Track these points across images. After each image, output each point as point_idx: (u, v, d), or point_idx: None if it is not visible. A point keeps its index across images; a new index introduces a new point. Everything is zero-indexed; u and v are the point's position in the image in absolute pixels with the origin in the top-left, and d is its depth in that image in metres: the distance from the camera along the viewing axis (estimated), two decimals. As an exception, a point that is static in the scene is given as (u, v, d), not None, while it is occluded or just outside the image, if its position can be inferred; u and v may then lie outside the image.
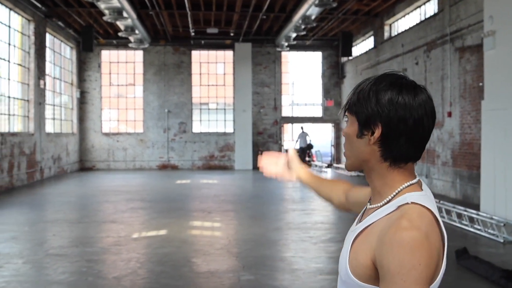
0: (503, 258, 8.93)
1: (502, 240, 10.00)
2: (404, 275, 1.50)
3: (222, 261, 8.75)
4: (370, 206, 1.79)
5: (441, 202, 13.07)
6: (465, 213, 11.62)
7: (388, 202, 1.70)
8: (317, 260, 8.84)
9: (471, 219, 11.38)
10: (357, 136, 1.74)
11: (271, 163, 2.69)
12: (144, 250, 9.54)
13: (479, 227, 10.91)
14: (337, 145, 30.85)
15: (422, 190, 1.73)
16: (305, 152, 27.44)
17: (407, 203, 1.62)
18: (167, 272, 8.11)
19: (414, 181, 1.74)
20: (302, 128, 28.56)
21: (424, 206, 1.62)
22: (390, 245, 1.53)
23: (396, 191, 1.70)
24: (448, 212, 12.39)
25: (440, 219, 1.66)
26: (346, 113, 1.78)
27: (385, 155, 1.72)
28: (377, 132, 1.69)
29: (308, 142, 28.23)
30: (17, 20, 21.00)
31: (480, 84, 14.16)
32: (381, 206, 1.72)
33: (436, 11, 18.29)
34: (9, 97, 20.04)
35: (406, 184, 1.71)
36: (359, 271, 1.65)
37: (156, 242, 10.25)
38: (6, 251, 9.47)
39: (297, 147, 28.18)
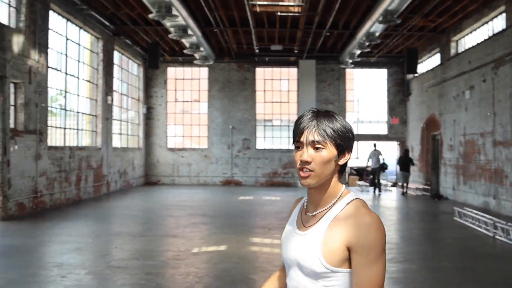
0: None
1: None
2: (377, 247, 2.11)
3: (280, 277, 8.69)
4: (312, 214, 2.32)
5: (508, 224, 12.59)
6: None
7: (334, 204, 2.28)
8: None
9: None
10: (334, 160, 2.26)
11: None
12: (203, 265, 9.58)
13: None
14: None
15: (352, 191, 2.35)
16: (378, 173, 25.59)
17: (353, 199, 2.27)
18: None
19: (345, 186, 2.37)
20: (374, 145, 26.36)
21: (364, 201, 2.27)
22: (364, 228, 2.12)
23: (339, 195, 2.30)
24: (515, 233, 11.99)
25: None
26: (322, 143, 2.23)
27: (341, 170, 2.34)
28: (347, 155, 2.30)
29: (381, 162, 25.82)
30: (86, 38, 21.66)
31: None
32: (329, 209, 2.28)
33: (504, 27, 17.81)
34: (78, 112, 20.65)
35: (344, 188, 2.34)
36: (334, 258, 2.16)
37: (215, 257, 10.30)
38: (70, 261, 9.69)
39: (369, 165, 26.44)
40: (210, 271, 9.22)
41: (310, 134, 2.24)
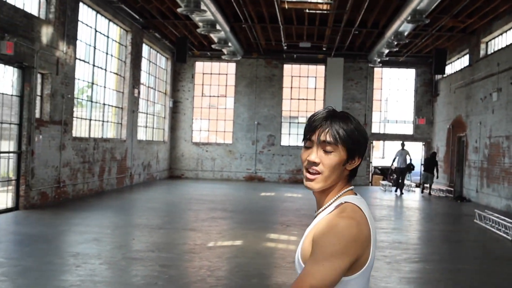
0: None
1: None
2: (324, 247, 2.00)
3: (292, 274, 8.72)
4: (315, 214, 2.28)
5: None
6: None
7: (329, 205, 2.20)
8: (387, 279, 8.65)
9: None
10: (343, 164, 2.18)
11: None
12: (216, 259, 9.63)
13: None
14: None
15: (356, 195, 2.23)
16: (404, 174, 25.05)
17: (342, 203, 2.14)
18: (236, 282, 8.19)
19: (350, 188, 2.25)
20: (402, 145, 25.51)
21: (356, 205, 2.13)
22: (324, 227, 2.05)
23: (336, 196, 2.21)
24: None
25: (368, 218, 2.13)
26: (333, 145, 2.15)
27: (351, 175, 2.25)
28: (357, 161, 2.21)
29: (408, 162, 24.94)
30: (115, 30, 21.87)
31: None
32: (324, 209, 2.21)
33: (534, 29, 17.58)
34: (104, 104, 20.87)
35: (343, 191, 2.22)
36: (305, 255, 2.11)
37: (229, 252, 10.37)
38: (86, 251, 9.83)
39: (395, 166, 25.52)
40: (223, 265, 9.29)
41: (322, 134, 2.16)
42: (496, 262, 10.77)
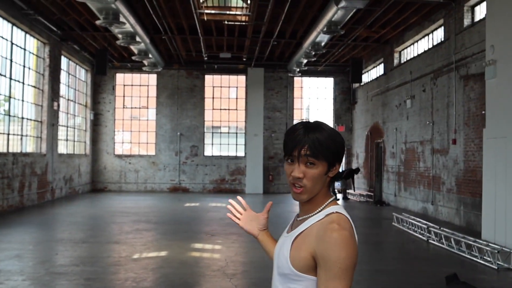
0: (495, 284, 9.02)
1: (496, 267, 10.07)
2: (340, 263, 2.12)
3: (216, 282, 8.91)
4: (299, 219, 2.40)
5: (441, 228, 13.19)
6: (463, 240, 11.71)
7: (317, 213, 2.32)
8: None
9: (469, 246, 11.45)
10: (324, 174, 2.31)
11: (249, 219, 3.06)
12: (142, 271, 9.69)
13: (476, 254, 10.98)
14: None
15: (339, 204, 2.37)
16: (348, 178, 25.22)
17: (333, 213, 2.27)
18: (161, 292, 8.28)
19: (334, 198, 2.38)
20: None
21: (344, 215, 2.27)
22: (328, 242, 2.14)
23: (324, 205, 2.33)
24: (447, 238, 12.49)
25: (353, 225, 2.28)
26: (314, 159, 2.27)
27: (332, 180, 2.38)
28: (337, 167, 2.35)
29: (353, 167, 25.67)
30: (32, 42, 21.48)
31: (483, 112, 14.26)
32: (311, 216, 2.33)
33: (442, 39, 18.47)
34: (22, 118, 20.45)
35: (330, 200, 2.36)
36: (299, 263, 2.23)
37: (155, 263, 10.43)
38: (8, 268, 9.69)
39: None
40: (148, 276, 9.35)
41: (302, 150, 2.26)
42: (412, 262, 11.30)
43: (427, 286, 8.97)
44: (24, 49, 20.55)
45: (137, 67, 28.47)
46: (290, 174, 2.32)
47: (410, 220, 15.29)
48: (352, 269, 2.15)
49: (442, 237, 12.65)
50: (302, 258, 2.23)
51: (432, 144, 18.87)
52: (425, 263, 11.17)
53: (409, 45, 22.20)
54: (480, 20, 15.65)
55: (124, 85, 30.36)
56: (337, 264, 2.12)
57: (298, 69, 27.18)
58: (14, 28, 19.50)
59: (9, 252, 11.23)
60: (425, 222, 14.51)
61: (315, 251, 2.18)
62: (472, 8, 16.71)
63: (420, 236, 13.88)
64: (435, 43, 19.38)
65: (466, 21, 16.71)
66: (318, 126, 2.33)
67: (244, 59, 28.02)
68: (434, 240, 13.09)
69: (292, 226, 2.45)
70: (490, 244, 11.03)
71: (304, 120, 2.54)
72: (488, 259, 10.52)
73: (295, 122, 31.15)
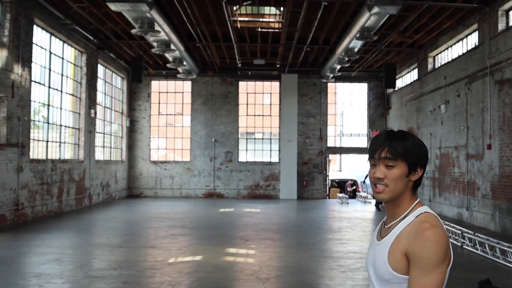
0: (529, 290, 8.96)
1: (531, 273, 10.01)
2: (431, 259, 2.26)
3: (249, 286, 9.04)
4: (388, 226, 2.54)
5: (475, 234, 13.11)
6: (498, 246, 11.64)
7: (405, 217, 2.47)
8: (341, 287, 9.04)
9: (503, 252, 11.39)
10: (405, 176, 2.46)
11: None
12: (177, 275, 9.89)
13: (510, 260, 10.92)
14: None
15: (425, 205, 2.52)
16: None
17: (422, 213, 2.43)
18: (196, 295, 8.44)
19: (418, 200, 2.53)
20: None
21: (433, 214, 2.44)
22: (422, 240, 2.29)
23: (410, 208, 2.48)
24: (482, 244, 12.42)
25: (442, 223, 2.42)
26: (393, 161, 2.44)
27: (415, 186, 2.52)
28: (420, 172, 2.48)
29: None
30: (70, 52, 21.97)
31: (518, 116, 14.15)
32: (400, 221, 2.47)
33: (477, 43, 18.36)
34: (61, 125, 20.92)
35: (416, 202, 2.51)
36: (397, 266, 2.37)
37: (190, 267, 10.62)
38: (48, 271, 9.97)
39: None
40: (183, 280, 9.54)
41: (383, 153, 2.45)
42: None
43: (460, 291, 8.98)
44: (62, 58, 21.04)
45: (172, 74, 28.87)
46: (372, 176, 2.49)
47: (444, 226, 15.20)
48: (444, 264, 2.29)
49: (476, 243, 12.59)
50: (399, 261, 2.37)
51: (467, 150, 18.75)
52: (459, 269, 11.12)
53: (443, 50, 22.09)
54: (515, 24, 15.56)
55: (159, 92, 30.77)
56: (429, 259, 2.26)
57: (331, 75, 27.22)
58: (53, 37, 19.99)
59: (49, 256, 11.55)
60: (459, 227, 14.44)
61: (407, 250, 2.34)
62: (507, 12, 16.59)
63: (454, 242, 13.81)
64: (469, 48, 19.26)
65: (501, 26, 16.60)
66: (400, 133, 2.50)
67: (278, 65, 28.17)
68: (468, 246, 13.03)
69: (381, 233, 2.57)
70: (525, 250, 10.96)
71: (390, 128, 2.65)
72: (523, 264, 10.46)
73: (328, 128, 31.21)
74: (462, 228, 14.24)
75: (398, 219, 2.48)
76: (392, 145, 2.44)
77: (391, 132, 2.52)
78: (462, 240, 13.42)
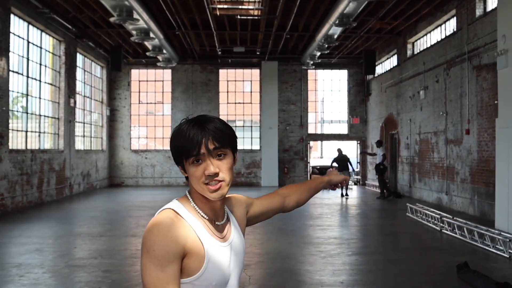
0: (506, 272, 9.11)
1: (508, 256, 10.16)
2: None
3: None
4: (221, 222, 2.23)
5: (454, 218, 13.29)
6: (476, 229, 11.80)
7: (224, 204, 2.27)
8: (321, 273, 9.13)
9: (481, 235, 11.54)
10: (233, 163, 2.19)
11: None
12: (158, 262, 9.88)
13: (488, 243, 11.07)
14: (362, 162, 31.00)
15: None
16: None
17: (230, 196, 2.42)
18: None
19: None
20: (339, 151, 24.30)
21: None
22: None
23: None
24: (460, 228, 12.59)
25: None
26: (222, 149, 2.10)
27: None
28: (236, 157, 2.21)
29: (350, 169, 23.89)
30: (48, 41, 21.78)
31: (496, 102, 14.30)
32: (228, 215, 2.30)
33: (455, 29, 18.49)
34: (40, 115, 20.77)
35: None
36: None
37: (171, 255, 10.62)
38: (28, 261, 9.94)
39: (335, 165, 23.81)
40: (165, 268, 9.54)
41: (210, 143, 2.06)
42: (425, 252, 11.39)
43: (439, 275, 9.09)
44: (40, 47, 20.85)
45: (151, 63, 28.74)
46: (202, 175, 2.08)
47: (423, 211, 15.40)
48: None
49: (455, 227, 12.76)
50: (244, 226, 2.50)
51: (446, 135, 18.92)
52: (438, 253, 11.28)
53: (422, 36, 22.22)
54: (492, 10, 15.64)
55: (139, 81, 30.64)
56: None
57: (311, 62, 27.26)
58: (30, 26, 19.80)
59: (29, 246, 11.51)
60: (438, 212, 14.63)
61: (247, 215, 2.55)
62: (484, -2, 16.74)
63: (434, 226, 14.00)
64: (447, 34, 19.39)
65: (478, 11, 16.73)
66: (207, 117, 2.15)
67: (258, 53, 28.16)
68: (447, 230, 13.20)
69: (217, 233, 2.20)
70: (502, 233, 11.11)
71: (184, 119, 2.24)
72: (500, 247, 10.60)
73: (309, 115, 31.27)
74: (441, 213, 14.44)
75: (227, 215, 2.28)
76: (213, 132, 2.07)
77: (198, 119, 2.13)
78: (441, 224, 13.58)
